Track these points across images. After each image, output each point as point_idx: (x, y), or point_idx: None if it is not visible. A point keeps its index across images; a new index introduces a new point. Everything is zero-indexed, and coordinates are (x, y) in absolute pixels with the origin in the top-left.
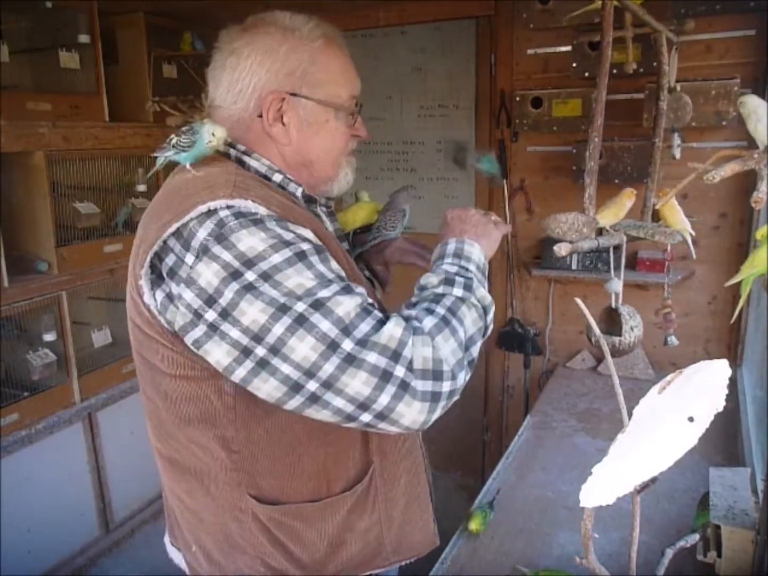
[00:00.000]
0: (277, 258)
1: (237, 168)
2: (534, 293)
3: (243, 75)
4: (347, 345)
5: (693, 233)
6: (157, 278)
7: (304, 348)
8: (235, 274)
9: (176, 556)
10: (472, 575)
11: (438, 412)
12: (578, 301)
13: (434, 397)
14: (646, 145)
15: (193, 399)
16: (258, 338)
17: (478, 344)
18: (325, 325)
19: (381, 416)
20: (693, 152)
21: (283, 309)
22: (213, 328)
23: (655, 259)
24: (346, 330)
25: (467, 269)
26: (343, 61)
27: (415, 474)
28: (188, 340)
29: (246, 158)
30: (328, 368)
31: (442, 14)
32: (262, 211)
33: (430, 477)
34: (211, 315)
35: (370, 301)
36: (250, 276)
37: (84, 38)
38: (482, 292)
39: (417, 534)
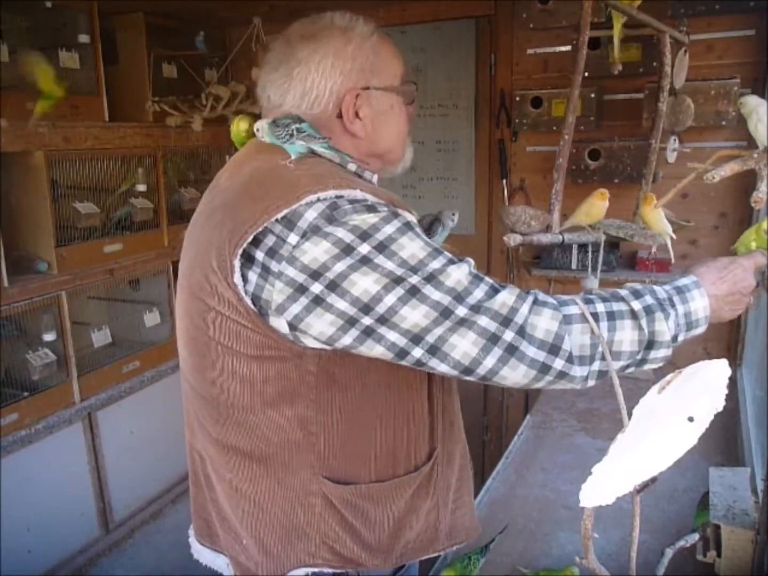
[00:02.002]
0: (389, 229)
1: (325, 160)
2: None
3: (317, 81)
4: (461, 311)
5: (674, 236)
6: (246, 260)
7: (415, 316)
8: (348, 249)
9: (207, 558)
10: (472, 575)
11: (541, 383)
12: (578, 300)
13: (543, 368)
14: (645, 145)
15: (276, 379)
16: (367, 308)
17: (620, 364)
18: (437, 295)
19: (485, 378)
20: (693, 152)
21: (398, 281)
22: (317, 300)
23: (655, 259)
24: (459, 297)
25: (673, 305)
26: (392, 46)
27: (464, 459)
28: (286, 316)
29: (321, 150)
30: (437, 331)
31: (442, 14)
32: (371, 198)
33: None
34: (317, 288)
35: (478, 270)
36: (364, 249)
37: (84, 38)
38: (663, 328)
39: (466, 518)
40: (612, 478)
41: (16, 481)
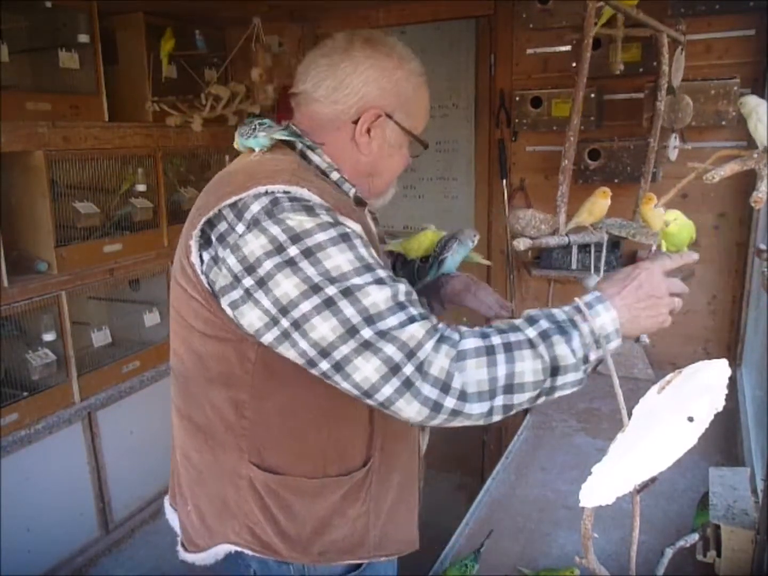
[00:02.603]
0: (321, 236)
1: (300, 160)
2: (534, 293)
3: (355, 82)
4: (366, 333)
5: None
6: (205, 243)
7: (324, 328)
8: (280, 248)
9: (172, 518)
10: (472, 575)
11: (438, 421)
12: (578, 300)
13: (435, 406)
14: (645, 144)
15: (219, 359)
16: (285, 311)
17: (527, 396)
18: (349, 312)
19: (383, 406)
20: (692, 152)
21: (315, 289)
22: (248, 293)
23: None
24: (370, 319)
25: (576, 325)
26: (428, 100)
27: (407, 475)
28: (226, 300)
29: (309, 152)
30: (343, 350)
31: (442, 14)
32: (315, 199)
33: (421, 483)
34: (248, 281)
35: (409, 296)
36: (292, 251)
37: (84, 38)
38: (565, 351)
39: (400, 533)
40: (612, 478)
41: (16, 481)
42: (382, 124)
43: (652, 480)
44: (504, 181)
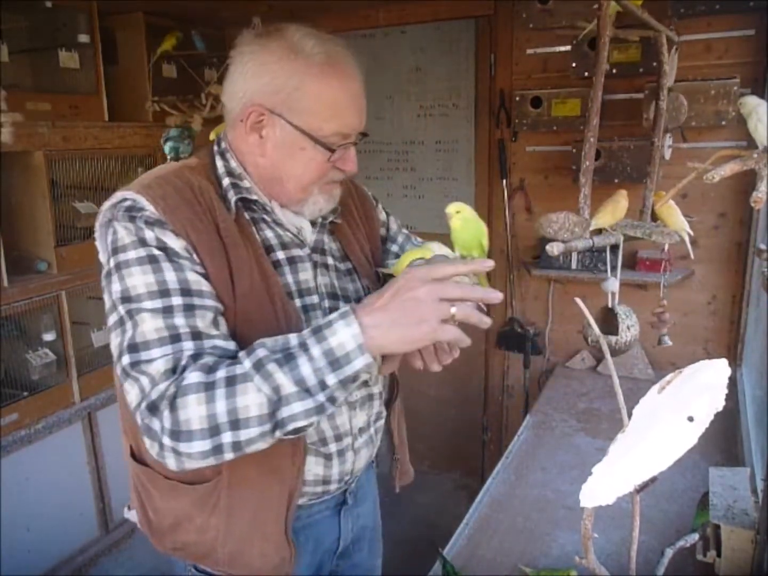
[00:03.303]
0: (131, 254)
1: (192, 166)
2: (533, 293)
3: (237, 79)
4: (125, 360)
5: (691, 233)
6: None
7: (113, 345)
8: (107, 258)
9: None
10: (472, 575)
11: (172, 463)
12: (578, 300)
13: (161, 445)
14: (645, 145)
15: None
16: (106, 317)
17: (256, 432)
18: (127, 335)
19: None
20: (692, 152)
21: (114, 306)
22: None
23: (655, 258)
24: (134, 347)
25: (307, 349)
26: (338, 95)
27: (267, 503)
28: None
29: (217, 157)
30: (117, 370)
31: (442, 14)
32: (147, 209)
33: (293, 506)
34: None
35: (193, 329)
36: (111, 263)
37: (84, 38)
38: (283, 381)
39: (255, 559)
40: (612, 478)
41: (16, 481)
42: (271, 123)
43: (652, 480)
44: (504, 181)
